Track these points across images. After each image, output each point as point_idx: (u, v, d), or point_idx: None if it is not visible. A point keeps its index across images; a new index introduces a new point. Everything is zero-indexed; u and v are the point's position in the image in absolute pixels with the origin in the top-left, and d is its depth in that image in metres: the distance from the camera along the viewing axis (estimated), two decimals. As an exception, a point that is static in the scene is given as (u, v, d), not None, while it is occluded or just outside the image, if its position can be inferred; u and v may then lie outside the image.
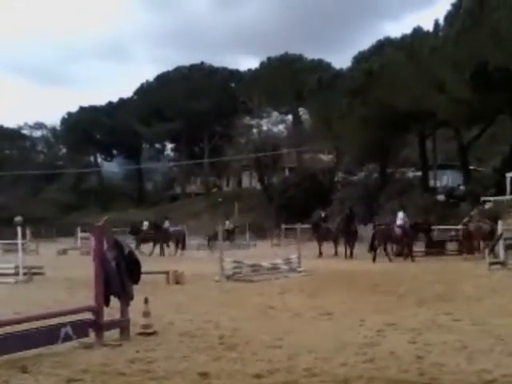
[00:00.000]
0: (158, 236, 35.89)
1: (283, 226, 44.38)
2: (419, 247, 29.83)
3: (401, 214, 27.69)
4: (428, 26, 44.09)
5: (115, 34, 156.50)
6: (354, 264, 24.73)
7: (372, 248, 27.17)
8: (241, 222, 51.97)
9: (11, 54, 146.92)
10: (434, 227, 31.24)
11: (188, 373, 7.21)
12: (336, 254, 30.58)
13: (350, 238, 29.57)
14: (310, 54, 70.77)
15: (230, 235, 42.95)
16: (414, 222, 28.75)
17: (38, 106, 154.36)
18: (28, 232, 36.39)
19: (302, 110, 71.19)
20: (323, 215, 33.93)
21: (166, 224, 36.86)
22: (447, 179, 56.52)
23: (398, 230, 27.18)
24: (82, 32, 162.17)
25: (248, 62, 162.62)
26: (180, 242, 35.71)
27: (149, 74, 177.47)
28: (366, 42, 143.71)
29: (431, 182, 52.09)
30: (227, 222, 45.36)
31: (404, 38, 46.79)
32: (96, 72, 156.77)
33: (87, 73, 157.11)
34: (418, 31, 44.89)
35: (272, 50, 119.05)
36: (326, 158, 67.73)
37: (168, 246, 35.86)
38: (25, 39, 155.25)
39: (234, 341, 9.12)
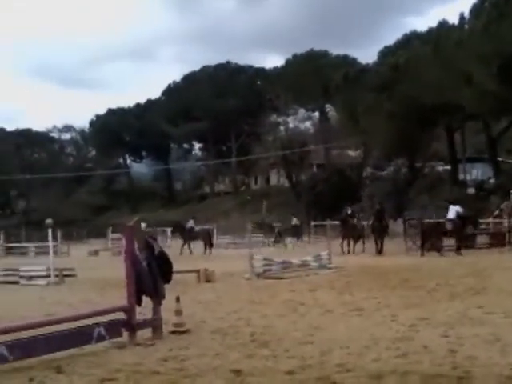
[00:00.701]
0: (183, 236, 35.96)
1: (312, 223, 44.29)
2: (449, 241, 29.61)
3: (453, 208, 27.27)
4: (453, 20, 43.90)
5: (140, 36, 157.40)
6: (384, 260, 24.59)
7: (423, 243, 26.79)
8: (269, 220, 52.00)
9: (37, 58, 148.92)
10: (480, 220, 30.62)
11: (221, 370, 7.23)
12: (363, 250, 30.06)
13: (381, 233, 28.92)
14: (335, 50, 70.72)
15: (297, 230, 43.18)
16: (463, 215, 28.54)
17: (65, 109, 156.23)
18: (59, 234, 36.69)
19: (328, 107, 71.01)
20: (349, 211, 33.06)
21: (190, 223, 36.86)
22: (477, 172, 56.02)
23: (448, 224, 26.83)
24: (107, 34, 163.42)
25: (273, 60, 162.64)
26: (206, 241, 35.67)
27: (174, 74, 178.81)
28: (390, 37, 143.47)
29: (461, 176, 51.70)
30: (294, 219, 45.59)
31: (430, 31, 46.57)
32: (122, 74, 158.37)
33: (113, 75, 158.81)
34: (443, 25, 44.65)
35: (297, 47, 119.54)
36: (353, 153, 67.56)
37: (189, 245, 35.72)
38: (51, 43, 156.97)
39: (266, 338, 9.13)
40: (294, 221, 44.22)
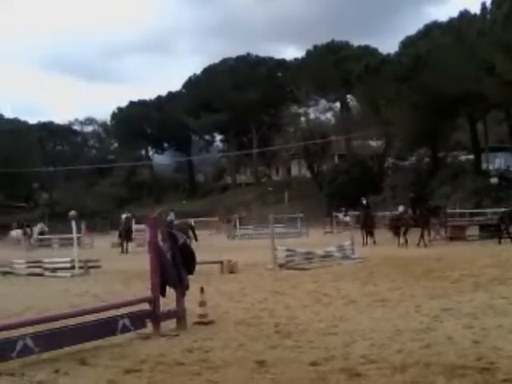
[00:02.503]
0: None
1: (335, 214, 44.20)
2: (473, 231, 29.44)
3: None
4: (474, 9, 43.54)
5: (158, 28, 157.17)
6: (408, 250, 24.50)
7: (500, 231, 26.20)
8: (291, 211, 51.95)
9: (58, 51, 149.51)
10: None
11: (245, 361, 7.27)
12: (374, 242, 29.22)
13: (424, 224, 26.82)
14: (355, 40, 70.37)
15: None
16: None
17: (87, 102, 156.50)
18: (83, 226, 36.87)
19: (349, 97, 70.73)
20: (365, 202, 32.46)
21: (170, 216, 35.48)
22: (500, 162, 55.54)
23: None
24: (126, 27, 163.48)
25: (291, 51, 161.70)
26: (187, 234, 34.81)
27: (193, 66, 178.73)
28: (410, 27, 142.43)
29: (483, 165, 51.32)
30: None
31: (451, 21, 46.25)
32: (141, 66, 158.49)
33: (132, 68, 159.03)
34: (464, 14, 44.37)
35: (317, 37, 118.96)
36: (375, 144, 67.30)
37: None
38: (71, 37, 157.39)
39: (290, 329, 9.16)
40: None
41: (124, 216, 35.37)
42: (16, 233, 44.12)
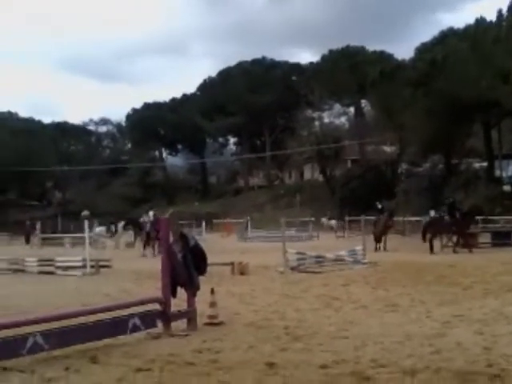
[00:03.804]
0: (136, 231, 35.04)
1: (347, 218, 44.11)
2: (485, 238, 29.29)
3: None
4: (491, 17, 43.43)
5: (173, 30, 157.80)
6: (419, 256, 24.39)
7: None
8: (303, 214, 51.93)
9: (73, 52, 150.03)
10: None
11: (255, 363, 7.28)
12: (384, 248, 28.57)
13: (464, 229, 26.53)
14: (371, 46, 70.29)
15: None
16: None
17: (101, 103, 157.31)
18: (95, 225, 36.89)
19: (364, 102, 70.61)
20: (380, 207, 32.03)
21: (144, 218, 34.82)
22: (513, 169, 55.27)
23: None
24: (141, 29, 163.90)
25: (306, 56, 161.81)
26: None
27: (207, 68, 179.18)
28: (425, 33, 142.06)
29: (497, 173, 51.09)
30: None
31: (467, 28, 46.13)
32: (156, 68, 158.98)
33: (146, 69, 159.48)
34: (480, 21, 44.21)
35: (331, 42, 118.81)
36: (389, 149, 67.17)
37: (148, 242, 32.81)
38: (86, 38, 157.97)
39: (300, 331, 9.16)
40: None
41: (151, 213, 32.96)
42: (100, 230, 42.85)
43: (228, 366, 7.17)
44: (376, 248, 28.28)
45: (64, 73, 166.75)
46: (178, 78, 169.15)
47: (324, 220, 49.63)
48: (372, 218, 31.89)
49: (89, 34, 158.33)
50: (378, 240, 29.03)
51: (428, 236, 27.01)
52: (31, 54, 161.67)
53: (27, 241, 45.20)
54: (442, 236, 27.37)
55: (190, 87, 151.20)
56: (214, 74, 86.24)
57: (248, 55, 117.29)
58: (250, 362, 7.32)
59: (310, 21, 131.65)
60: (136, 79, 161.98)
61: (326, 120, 74.92)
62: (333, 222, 49.00)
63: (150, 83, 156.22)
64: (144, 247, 31.06)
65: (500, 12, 40.89)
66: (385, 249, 28.56)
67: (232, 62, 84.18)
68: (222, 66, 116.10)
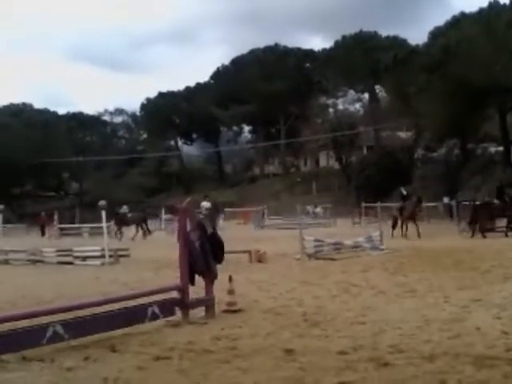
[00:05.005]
0: (117, 221, 35.84)
1: (363, 205, 43.99)
2: (502, 223, 29.10)
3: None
4: (504, 0, 43.13)
5: (184, 18, 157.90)
6: (437, 242, 24.29)
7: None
8: (319, 202, 51.95)
9: (86, 43, 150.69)
10: None
11: (273, 350, 7.29)
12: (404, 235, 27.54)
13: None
14: (384, 31, 70.03)
15: None
16: None
17: (115, 93, 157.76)
18: (129, 213, 37.42)
19: (378, 88, 70.42)
20: (405, 193, 30.56)
21: (123, 209, 37.25)
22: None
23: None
24: (151, 17, 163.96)
25: (318, 41, 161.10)
26: (140, 226, 35.80)
27: (220, 56, 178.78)
28: (438, 17, 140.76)
29: (513, 157, 50.79)
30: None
31: (480, 12, 45.78)
32: (168, 56, 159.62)
33: (159, 58, 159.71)
34: (493, 5, 43.91)
35: (344, 28, 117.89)
36: (404, 135, 66.94)
37: (120, 231, 35.64)
38: (96, 27, 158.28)
39: (318, 318, 9.16)
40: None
41: (205, 203, 27.69)
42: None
43: (246, 353, 7.18)
44: (402, 234, 27.35)
45: (78, 63, 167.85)
46: (190, 66, 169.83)
47: (309, 207, 49.32)
48: (389, 204, 31.65)
49: (100, 23, 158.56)
50: (405, 226, 28.01)
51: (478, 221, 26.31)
52: (43, 45, 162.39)
53: (43, 232, 45.48)
54: (491, 221, 26.67)
55: (203, 75, 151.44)
56: (226, 61, 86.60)
57: (260, 42, 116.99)
58: (268, 349, 7.32)
59: (322, 6, 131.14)
60: (148, 68, 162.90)
61: (341, 107, 74.93)
62: (318, 209, 48.97)
63: (163, 72, 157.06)
64: None
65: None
66: (419, 236, 26.71)
67: (244, 49, 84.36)
68: (234, 53, 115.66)
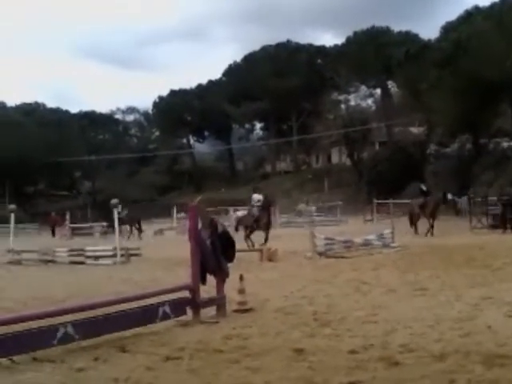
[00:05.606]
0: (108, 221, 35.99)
1: (375, 201, 43.94)
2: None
3: None
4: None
5: (195, 15, 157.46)
6: (449, 239, 24.23)
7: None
8: (331, 199, 51.84)
9: (97, 41, 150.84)
10: None
11: (283, 349, 7.28)
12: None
13: None
14: (396, 26, 69.79)
15: None
16: None
17: (126, 91, 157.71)
18: (124, 214, 37.30)
19: (390, 83, 70.20)
20: (425, 189, 29.56)
21: (255, 197, 36.06)
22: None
23: None
24: (163, 14, 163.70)
25: (330, 37, 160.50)
26: (134, 226, 36.25)
27: (232, 53, 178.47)
28: (450, 12, 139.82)
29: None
30: None
31: (493, 6, 45.60)
32: (179, 54, 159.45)
33: (170, 55, 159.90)
34: (506, 0, 43.70)
35: (356, 23, 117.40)
36: (416, 130, 66.73)
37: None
38: (107, 25, 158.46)
39: (329, 317, 9.15)
40: None
41: (255, 196, 24.55)
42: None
43: (257, 353, 7.17)
44: (427, 232, 26.68)
45: (89, 61, 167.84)
46: (202, 64, 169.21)
47: (301, 206, 48.87)
48: (401, 201, 31.50)
49: (111, 21, 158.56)
50: (429, 222, 27.21)
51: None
52: (54, 43, 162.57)
53: (53, 232, 45.48)
54: None
55: (215, 72, 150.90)
56: (237, 58, 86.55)
57: (271, 38, 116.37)
58: (278, 349, 7.31)
59: (334, 2, 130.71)
60: (160, 66, 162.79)
61: (353, 102, 74.83)
62: (311, 207, 48.49)
63: (174, 69, 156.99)
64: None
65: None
66: (432, 234, 26.50)
67: (255, 46, 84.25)
68: (245, 50, 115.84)
